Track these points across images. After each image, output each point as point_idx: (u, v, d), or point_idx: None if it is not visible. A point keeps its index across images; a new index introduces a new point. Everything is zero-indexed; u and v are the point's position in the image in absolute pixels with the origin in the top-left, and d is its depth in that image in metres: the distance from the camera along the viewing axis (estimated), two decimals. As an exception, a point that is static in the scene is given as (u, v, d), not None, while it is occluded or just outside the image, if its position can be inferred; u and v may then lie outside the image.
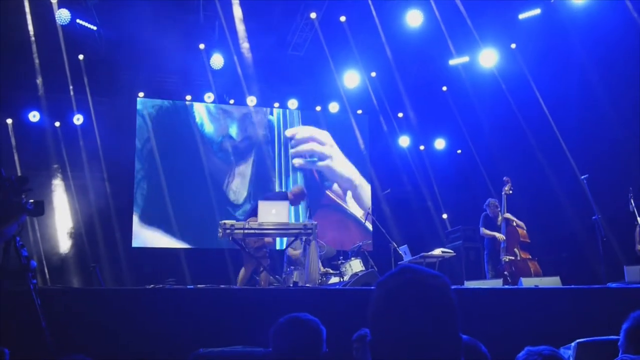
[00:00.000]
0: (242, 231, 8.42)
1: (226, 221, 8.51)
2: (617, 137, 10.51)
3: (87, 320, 5.33)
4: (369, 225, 12.89)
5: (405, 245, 10.17)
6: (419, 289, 1.52)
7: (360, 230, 13.05)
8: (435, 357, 1.48)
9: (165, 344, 5.28)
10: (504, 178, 10.03)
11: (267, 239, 9.13)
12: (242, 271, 9.09)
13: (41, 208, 4.10)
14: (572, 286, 7.38)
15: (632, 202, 8.56)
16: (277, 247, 12.90)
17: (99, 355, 4.67)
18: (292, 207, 10.23)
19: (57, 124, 12.44)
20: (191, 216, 13.04)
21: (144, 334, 5.37)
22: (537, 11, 11.67)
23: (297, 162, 14.02)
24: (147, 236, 12.74)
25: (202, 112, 13.65)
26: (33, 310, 3.77)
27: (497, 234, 9.82)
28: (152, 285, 6.89)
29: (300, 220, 11.45)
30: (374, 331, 1.56)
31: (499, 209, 9.97)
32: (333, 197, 14.12)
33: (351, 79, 13.55)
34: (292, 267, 9.71)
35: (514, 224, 9.75)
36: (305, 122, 14.40)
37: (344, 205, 13.95)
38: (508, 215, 9.80)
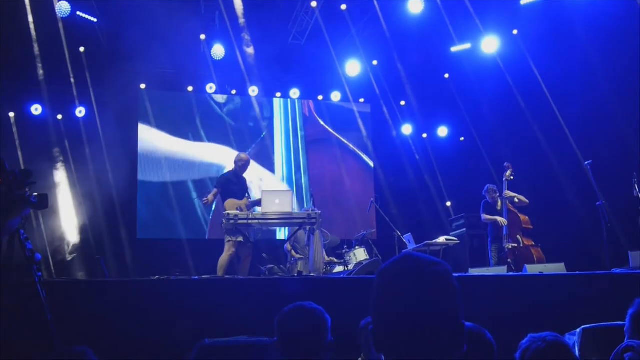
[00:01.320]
0: (246, 221, 8.45)
1: (230, 211, 8.53)
2: (620, 122, 10.48)
3: (93, 312, 5.35)
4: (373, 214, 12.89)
5: (409, 233, 10.17)
6: (419, 277, 1.51)
7: (364, 219, 13.04)
8: (437, 344, 1.48)
9: (170, 335, 5.29)
10: (505, 164, 10.01)
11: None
12: (223, 259, 8.85)
13: (45, 201, 4.10)
14: (577, 272, 7.38)
15: (637, 187, 8.53)
16: (278, 237, 12.96)
17: (105, 346, 4.69)
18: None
19: (60, 116, 12.45)
20: (195, 207, 13.05)
21: (149, 325, 5.39)
22: (539, -4, 11.62)
23: None
24: (152, 227, 12.77)
25: (205, 102, 13.62)
26: (38, 303, 3.79)
27: (498, 218, 9.81)
28: (157, 277, 6.90)
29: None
30: (375, 319, 1.56)
31: (498, 194, 9.97)
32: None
33: (353, 67, 13.51)
34: (295, 258, 9.74)
35: (516, 200, 9.73)
36: (306, 111, 14.39)
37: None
38: (507, 193, 9.78)
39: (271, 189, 12.49)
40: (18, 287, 4.02)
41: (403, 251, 9.46)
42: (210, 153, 13.52)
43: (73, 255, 12.03)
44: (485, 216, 10.04)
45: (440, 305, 1.50)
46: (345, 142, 14.47)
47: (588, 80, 11.04)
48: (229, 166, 13.35)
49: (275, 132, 14.19)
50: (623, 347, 3.29)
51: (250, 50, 12.74)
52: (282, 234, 13.19)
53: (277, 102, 14.26)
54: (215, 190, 9.30)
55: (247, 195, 9.31)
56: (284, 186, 13.67)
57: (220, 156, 13.55)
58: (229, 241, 8.78)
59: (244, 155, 9.72)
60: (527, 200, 9.86)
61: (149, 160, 13.11)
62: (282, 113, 14.28)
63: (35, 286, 3.80)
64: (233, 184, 9.32)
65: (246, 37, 12.57)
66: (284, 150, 14.17)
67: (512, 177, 9.88)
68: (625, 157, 10.13)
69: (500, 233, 9.77)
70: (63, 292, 5.47)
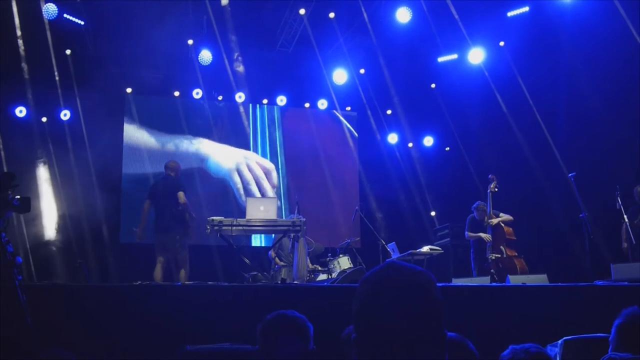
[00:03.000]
0: (230, 227, 8.43)
1: (214, 217, 8.50)
2: (605, 135, 10.57)
3: (73, 316, 5.30)
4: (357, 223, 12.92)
5: (394, 242, 10.18)
6: (402, 286, 1.51)
7: (348, 227, 13.04)
8: (419, 354, 1.47)
9: (152, 341, 5.26)
10: (490, 176, 10.06)
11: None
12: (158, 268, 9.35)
13: (27, 205, 4.07)
14: (559, 284, 7.42)
15: (619, 200, 8.61)
16: (262, 244, 12.93)
17: (85, 351, 4.65)
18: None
19: (44, 119, 12.35)
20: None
21: (130, 330, 5.35)
22: (525, 9, 11.71)
23: None
24: (135, 232, 12.68)
25: (190, 107, 13.58)
26: (18, 307, 3.75)
27: (482, 235, 9.85)
28: (139, 282, 6.86)
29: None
30: (357, 328, 1.54)
31: (487, 213, 9.98)
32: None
33: (340, 75, 13.54)
34: (279, 265, 9.72)
35: (501, 223, 9.78)
36: (291, 119, 14.38)
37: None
38: (494, 220, 9.81)
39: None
40: (-2, 291, 3.98)
41: (386, 260, 9.48)
42: (191, 144, 13.51)
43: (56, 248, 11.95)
44: (469, 234, 10.08)
45: (423, 314, 1.49)
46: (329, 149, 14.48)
47: (573, 92, 11.14)
48: (211, 153, 13.44)
49: (257, 138, 14.18)
50: (606, 359, 3.31)
51: (240, 68, 12.78)
52: (258, 240, 13.18)
53: (264, 109, 14.24)
54: (147, 201, 9.67)
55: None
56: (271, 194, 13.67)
57: (202, 145, 13.61)
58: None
59: (173, 163, 10.11)
60: (511, 218, 9.89)
61: (134, 163, 13.02)
62: (266, 119, 14.27)
63: (16, 290, 3.76)
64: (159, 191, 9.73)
65: (234, 42, 12.57)
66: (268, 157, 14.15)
67: (496, 189, 9.92)
68: (609, 169, 10.21)
69: (484, 243, 9.80)
70: (44, 296, 5.42)
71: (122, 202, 12.71)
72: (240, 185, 13.59)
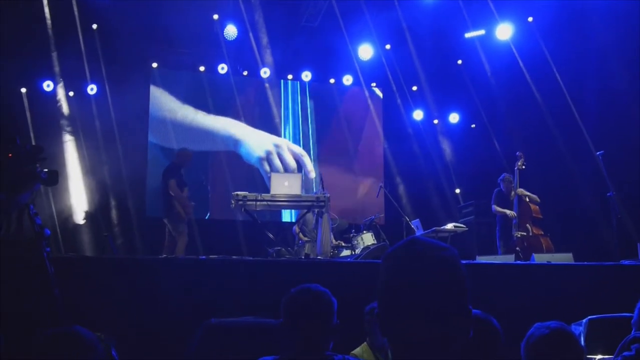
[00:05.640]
0: (254, 202, 8.47)
1: (239, 192, 8.55)
2: (634, 113, 10.40)
3: (100, 288, 5.38)
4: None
5: (418, 219, 10.16)
6: (426, 261, 1.50)
7: (372, 203, 13.01)
8: (444, 330, 1.46)
9: (177, 314, 5.32)
10: (517, 153, 9.96)
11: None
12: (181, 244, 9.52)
13: (55, 178, 4.11)
14: (585, 263, 7.37)
15: (647, 179, 8.50)
16: (292, 220, 12.96)
17: (110, 323, 4.72)
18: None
19: (71, 93, 12.44)
20: (204, 186, 13.04)
21: (155, 303, 5.42)
22: (555, -16, 11.49)
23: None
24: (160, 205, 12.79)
25: (215, 82, 13.57)
26: (46, 278, 3.80)
27: (507, 211, 9.78)
28: (164, 255, 6.93)
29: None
30: (381, 303, 1.54)
31: (513, 185, 9.91)
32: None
33: (365, 51, 13.43)
34: (303, 241, 9.76)
35: (527, 199, 9.70)
36: (317, 94, 14.34)
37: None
38: (521, 190, 9.74)
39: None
40: (26, 262, 4.04)
41: (409, 236, 9.48)
42: (220, 125, 13.55)
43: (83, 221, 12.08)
44: (496, 207, 10.00)
45: (447, 289, 1.48)
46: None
47: (602, 70, 10.95)
48: (243, 138, 13.46)
49: (286, 115, 14.16)
50: (630, 338, 3.29)
51: (262, 31, 12.70)
52: (288, 216, 13.21)
53: (289, 84, 14.21)
54: (173, 180, 9.70)
55: (186, 189, 9.82)
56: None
57: (233, 128, 13.60)
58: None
59: (188, 151, 10.31)
60: (538, 199, 9.80)
61: (160, 137, 13.09)
62: (289, 95, 14.23)
63: (44, 261, 3.81)
64: (178, 177, 9.85)
65: (259, 17, 12.52)
66: (293, 134, 14.12)
67: (523, 167, 9.84)
68: (637, 148, 10.06)
69: (510, 221, 9.74)
70: (71, 268, 5.50)
71: (147, 176, 12.80)
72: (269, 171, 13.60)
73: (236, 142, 13.57)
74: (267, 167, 13.45)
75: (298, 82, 14.21)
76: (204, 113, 13.44)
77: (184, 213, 9.55)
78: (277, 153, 13.63)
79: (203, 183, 9.84)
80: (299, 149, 13.83)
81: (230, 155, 13.48)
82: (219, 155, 13.38)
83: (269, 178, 12.34)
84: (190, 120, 13.33)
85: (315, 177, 13.48)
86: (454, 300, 1.48)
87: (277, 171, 13.19)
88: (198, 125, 13.38)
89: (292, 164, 13.63)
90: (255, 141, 13.67)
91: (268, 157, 13.57)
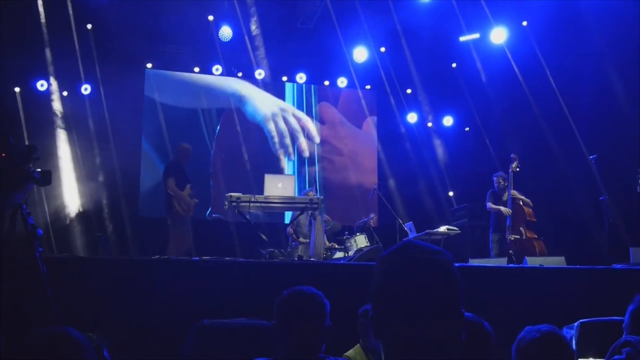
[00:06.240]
0: (248, 204, 8.46)
1: (232, 194, 8.54)
2: (627, 118, 10.43)
3: (92, 289, 5.36)
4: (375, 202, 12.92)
5: (411, 222, 10.17)
6: (420, 265, 1.51)
7: (366, 206, 13.03)
8: (436, 333, 1.47)
9: (169, 315, 5.32)
10: (512, 155, 9.98)
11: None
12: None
13: (48, 177, 4.11)
14: (577, 266, 7.40)
15: (640, 183, 8.52)
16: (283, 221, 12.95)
17: (103, 324, 4.71)
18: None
19: (65, 93, 12.41)
20: (197, 187, 13.02)
21: (148, 304, 5.41)
22: (550, -13, 11.53)
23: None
24: (154, 205, 12.75)
25: (210, 83, 13.56)
26: (38, 278, 3.80)
27: (502, 208, 9.80)
28: (157, 256, 6.92)
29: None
30: (375, 306, 1.55)
31: (507, 184, 9.93)
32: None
33: (360, 53, 13.45)
34: (297, 242, 9.77)
35: (520, 202, 9.73)
36: (311, 95, 14.34)
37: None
38: (514, 192, 9.77)
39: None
40: (19, 262, 4.03)
41: (404, 239, 9.49)
42: (226, 83, 13.62)
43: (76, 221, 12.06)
44: (490, 205, 10.02)
45: (441, 293, 1.49)
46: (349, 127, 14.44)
47: (596, 74, 10.98)
48: (249, 95, 13.48)
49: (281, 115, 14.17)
50: (621, 342, 3.30)
51: (257, 32, 12.69)
52: (281, 217, 13.22)
53: (285, 86, 14.23)
54: (171, 179, 9.59)
55: (189, 186, 9.67)
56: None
57: (238, 85, 13.71)
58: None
59: (186, 145, 10.11)
60: (531, 203, 9.83)
61: (153, 137, 13.07)
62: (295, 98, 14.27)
63: (36, 261, 3.80)
64: (178, 174, 9.72)
65: (254, 18, 12.52)
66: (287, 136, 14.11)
67: (518, 169, 9.85)
68: (630, 152, 10.09)
69: (503, 224, 9.76)
70: (63, 268, 5.49)
71: (141, 177, 12.78)
72: (275, 134, 13.64)
73: (241, 99, 13.63)
74: (272, 127, 13.53)
75: (302, 84, 14.19)
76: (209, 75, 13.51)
77: (182, 211, 9.52)
78: (283, 116, 13.80)
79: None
80: (303, 115, 13.98)
81: (239, 116, 13.54)
82: (230, 115, 13.45)
83: (272, 138, 12.45)
84: (184, 120, 13.32)
85: (315, 176, 13.57)
86: (448, 303, 1.49)
87: (281, 133, 13.40)
88: (202, 84, 13.44)
89: (297, 127, 13.82)
90: (261, 100, 13.76)
91: (273, 118, 13.67)
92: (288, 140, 13.70)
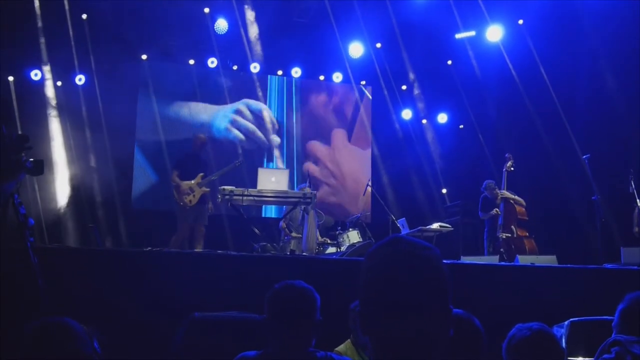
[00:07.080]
0: (241, 197, 8.45)
1: (225, 187, 8.53)
2: (621, 118, 10.47)
3: (83, 279, 5.35)
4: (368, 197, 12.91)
5: (404, 218, 10.18)
6: (408, 260, 1.50)
7: (359, 201, 13.04)
8: (424, 328, 1.47)
9: (160, 307, 5.30)
10: (506, 155, 10.01)
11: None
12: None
13: (40, 167, 4.08)
14: (568, 265, 7.42)
15: (632, 183, 8.56)
16: (273, 215, 12.95)
17: (94, 315, 4.69)
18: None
19: (59, 83, 12.36)
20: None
21: (139, 296, 5.40)
22: (546, -14, 11.54)
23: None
24: (147, 198, 12.73)
25: (204, 76, 13.52)
26: (29, 268, 3.78)
27: (493, 212, 9.86)
28: (149, 248, 6.90)
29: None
30: (362, 301, 1.54)
31: (497, 190, 9.95)
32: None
33: (356, 49, 13.44)
34: (289, 236, 9.76)
35: (512, 201, 9.75)
36: (308, 91, 14.31)
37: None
38: (506, 193, 9.79)
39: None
40: (10, 252, 4.01)
41: (392, 234, 9.50)
42: (194, 112, 13.51)
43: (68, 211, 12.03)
44: (483, 214, 10.10)
45: (428, 289, 1.48)
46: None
47: (591, 73, 11.01)
48: (209, 119, 13.44)
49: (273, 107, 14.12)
50: (610, 341, 3.31)
51: (253, 26, 12.66)
52: (269, 212, 13.18)
53: (278, 80, 14.17)
54: (175, 171, 9.84)
55: (200, 175, 9.72)
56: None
57: (200, 114, 13.57)
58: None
59: (202, 136, 10.37)
60: (523, 203, 9.85)
61: (147, 128, 13.02)
62: (279, 90, 14.21)
63: (27, 251, 3.78)
64: (189, 165, 9.89)
65: (250, 11, 12.50)
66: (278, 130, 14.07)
67: (512, 168, 9.89)
68: (623, 153, 10.14)
69: (496, 223, 9.79)
70: (55, 259, 5.47)
71: (134, 167, 12.75)
72: (242, 137, 13.58)
73: (208, 126, 13.52)
74: (238, 133, 13.50)
75: (292, 79, 14.15)
76: (193, 104, 13.39)
77: (181, 201, 9.58)
78: (240, 118, 13.71)
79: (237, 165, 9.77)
80: (257, 104, 13.86)
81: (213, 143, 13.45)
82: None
83: (240, 141, 12.41)
84: (178, 111, 13.27)
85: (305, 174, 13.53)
86: (435, 299, 1.49)
87: (249, 135, 13.48)
88: (186, 117, 13.35)
89: (254, 122, 13.75)
90: (218, 116, 13.64)
91: (234, 125, 13.59)
92: (259, 134, 13.65)
